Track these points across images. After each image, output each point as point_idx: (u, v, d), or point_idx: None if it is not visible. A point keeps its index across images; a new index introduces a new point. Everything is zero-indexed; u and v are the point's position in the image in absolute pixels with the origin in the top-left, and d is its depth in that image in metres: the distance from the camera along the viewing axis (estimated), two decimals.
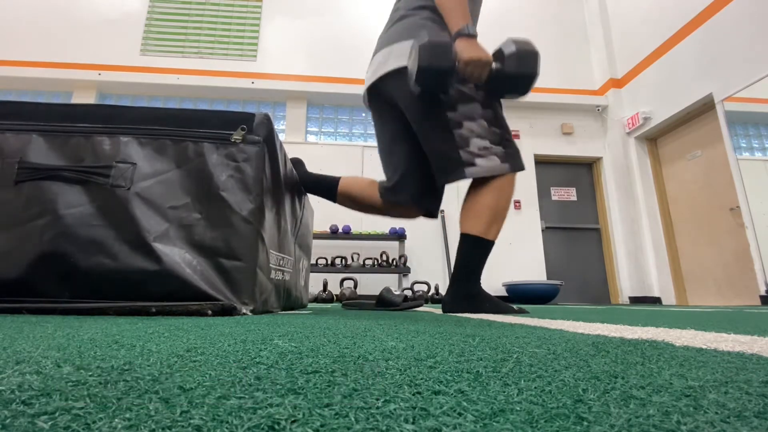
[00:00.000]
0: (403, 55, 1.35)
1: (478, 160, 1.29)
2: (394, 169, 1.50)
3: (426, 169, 1.44)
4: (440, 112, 1.31)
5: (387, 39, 1.43)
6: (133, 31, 5.16)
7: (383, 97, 1.47)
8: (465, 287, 1.32)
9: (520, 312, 1.29)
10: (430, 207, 1.54)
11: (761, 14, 3.52)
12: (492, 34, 5.41)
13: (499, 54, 1.25)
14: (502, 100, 1.36)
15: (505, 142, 1.32)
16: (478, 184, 1.33)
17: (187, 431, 0.15)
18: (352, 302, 1.71)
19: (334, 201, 1.62)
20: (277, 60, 5.19)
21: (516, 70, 1.22)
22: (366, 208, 1.60)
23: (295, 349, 0.37)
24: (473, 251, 1.33)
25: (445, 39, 1.20)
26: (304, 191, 1.62)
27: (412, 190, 1.48)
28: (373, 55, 1.47)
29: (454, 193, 4.88)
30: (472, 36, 1.24)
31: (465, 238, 1.34)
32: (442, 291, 4.31)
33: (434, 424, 0.16)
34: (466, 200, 1.36)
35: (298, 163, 1.61)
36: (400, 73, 1.34)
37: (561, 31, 5.59)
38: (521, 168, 1.33)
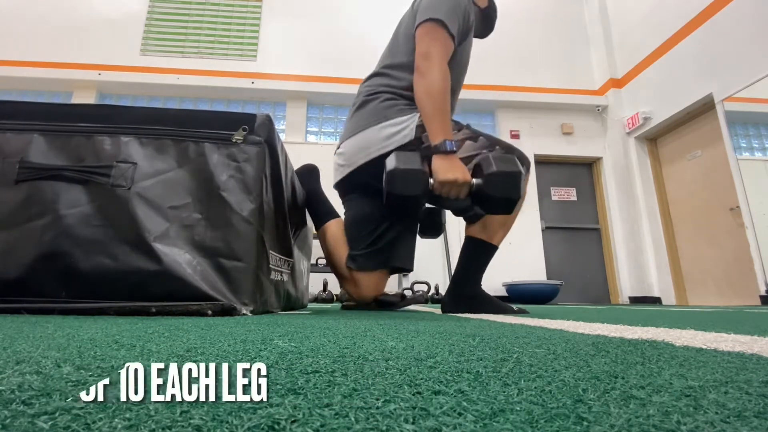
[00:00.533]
0: (366, 148, 1.33)
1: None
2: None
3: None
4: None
5: (351, 128, 1.41)
6: (133, 31, 5.15)
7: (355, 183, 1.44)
8: (465, 289, 1.32)
9: (521, 312, 1.28)
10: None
11: (761, 14, 3.52)
12: (493, 34, 5.42)
13: (478, 171, 1.18)
14: None
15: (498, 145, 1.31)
16: None
17: (187, 431, 0.15)
18: (352, 302, 1.71)
19: (316, 229, 1.59)
20: (277, 60, 5.19)
21: (498, 193, 1.14)
22: (327, 258, 1.55)
23: (295, 349, 0.37)
24: (477, 255, 1.34)
25: (415, 165, 1.15)
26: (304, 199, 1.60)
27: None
28: (340, 143, 1.45)
29: None
30: (451, 153, 1.16)
31: (470, 241, 1.34)
32: (442, 291, 4.31)
33: (434, 424, 0.16)
34: None
35: (311, 171, 1.56)
36: (370, 164, 1.32)
37: (561, 31, 5.59)
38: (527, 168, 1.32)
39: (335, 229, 1.54)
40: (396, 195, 1.14)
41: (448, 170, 1.15)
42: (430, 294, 4.26)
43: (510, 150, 1.28)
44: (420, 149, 1.24)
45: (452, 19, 1.25)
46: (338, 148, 1.47)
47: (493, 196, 1.15)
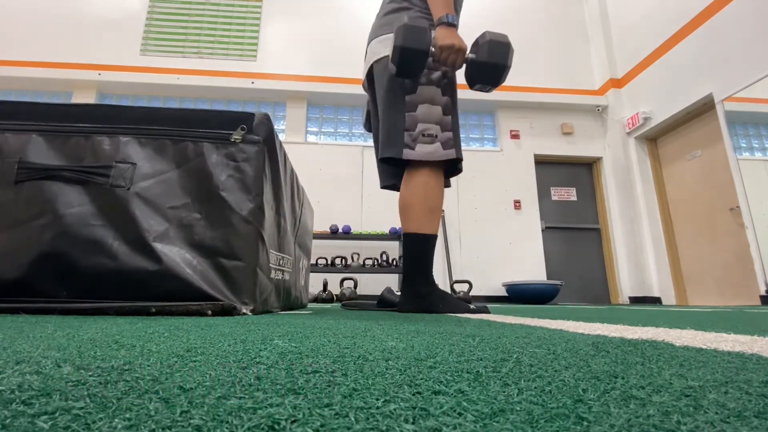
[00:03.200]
0: (384, 47, 1.45)
1: (418, 146, 1.35)
2: None
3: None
4: (401, 94, 1.39)
5: (378, 28, 1.53)
6: (133, 31, 5.16)
7: (372, 82, 1.57)
8: (416, 286, 1.33)
9: (479, 311, 1.28)
10: (388, 182, 1.60)
11: (761, 14, 3.52)
12: None
13: (474, 45, 1.35)
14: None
15: (453, 132, 1.38)
16: (407, 179, 1.39)
17: (187, 431, 0.15)
18: (352, 302, 1.71)
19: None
20: (277, 60, 5.19)
21: (488, 59, 1.30)
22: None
23: (295, 349, 0.37)
24: (414, 248, 1.36)
25: (422, 23, 1.30)
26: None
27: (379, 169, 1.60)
28: (368, 43, 1.56)
29: (454, 194, 4.88)
30: (452, 25, 1.32)
31: (405, 237, 1.39)
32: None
33: (434, 424, 0.16)
34: (400, 199, 1.42)
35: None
36: (381, 61, 1.47)
37: (561, 31, 5.59)
38: (460, 157, 1.38)
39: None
40: (405, 48, 1.26)
41: (447, 37, 1.30)
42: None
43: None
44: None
45: None
46: (367, 48, 1.60)
47: (484, 63, 1.31)
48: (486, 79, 1.36)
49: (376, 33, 1.52)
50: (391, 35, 1.39)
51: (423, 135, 1.35)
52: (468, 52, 1.33)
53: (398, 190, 1.54)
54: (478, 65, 1.33)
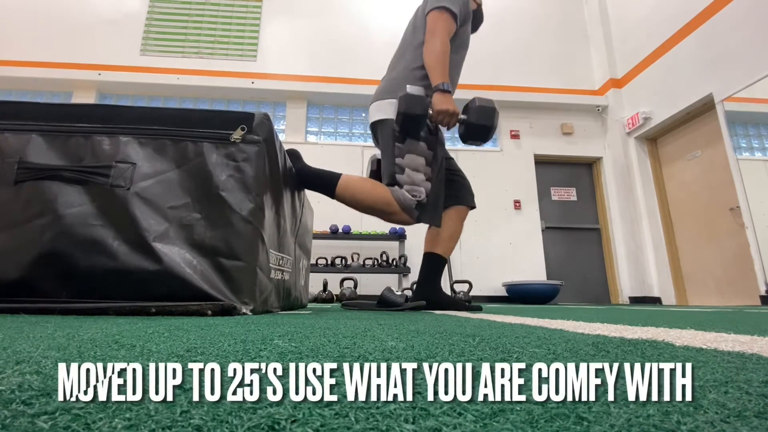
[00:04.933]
0: (382, 111, 1.69)
1: (406, 193, 1.59)
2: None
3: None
4: (393, 156, 1.63)
5: (380, 91, 1.75)
6: (133, 31, 5.15)
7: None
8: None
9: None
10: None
11: (761, 14, 3.52)
12: (493, 34, 5.43)
13: (465, 108, 1.58)
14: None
15: (429, 198, 1.61)
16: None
17: (187, 431, 0.15)
18: (352, 302, 1.71)
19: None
20: (277, 60, 5.19)
21: (477, 122, 1.53)
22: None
23: (295, 349, 0.37)
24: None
25: (420, 93, 1.56)
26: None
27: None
28: (373, 98, 1.77)
29: None
30: (447, 91, 1.55)
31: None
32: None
33: (434, 424, 0.16)
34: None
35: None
36: (382, 122, 1.70)
37: (561, 31, 5.59)
38: (417, 221, 1.61)
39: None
40: (405, 114, 1.51)
41: (443, 103, 1.53)
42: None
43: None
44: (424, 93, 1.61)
45: (454, 4, 1.64)
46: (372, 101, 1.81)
47: (474, 125, 1.53)
48: (476, 137, 1.57)
49: (379, 95, 1.73)
50: (390, 101, 1.65)
51: (408, 182, 1.59)
52: (460, 113, 1.56)
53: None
54: (469, 126, 1.54)
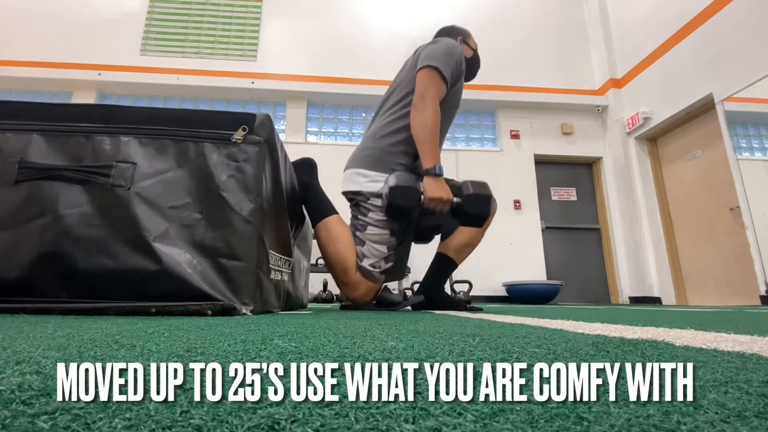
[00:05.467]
0: (355, 183, 1.61)
1: (362, 264, 1.54)
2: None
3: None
4: (356, 217, 1.60)
5: (360, 158, 1.65)
6: (133, 31, 5.15)
7: None
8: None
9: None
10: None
11: (761, 14, 3.52)
12: (493, 34, 5.43)
13: (458, 192, 1.48)
14: None
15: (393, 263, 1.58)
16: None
17: (187, 431, 0.15)
18: (350, 303, 1.71)
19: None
20: (277, 60, 5.19)
21: (472, 211, 1.47)
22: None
23: (295, 349, 0.37)
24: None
25: (412, 184, 1.44)
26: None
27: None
28: (349, 163, 1.69)
29: None
30: (439, 176, 1.44)
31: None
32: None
33: (434, 424, 0.16)
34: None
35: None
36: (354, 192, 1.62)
37: (561, 31, 5.59)
38: (385, 282, 1.62)
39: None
40: (396, 206, 1.41)
41: (436, 189, 1.42)
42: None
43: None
44: (415, 172, 1.53)
45: (446, 67, 1.51)
46: (347, 166, 1.73)
47: (468, 212, 1.46)
48: (469, 222, 1.53)
49: (357, 161, 1.64)
50: (363, 173, 1.57)
51: (370, 264, 1.54)
52: (453, 199, 1.47)
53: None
54: (463, 213, 1.48)
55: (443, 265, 1.68)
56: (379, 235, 1.54)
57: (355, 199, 1.62)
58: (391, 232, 1.55)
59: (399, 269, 1.66)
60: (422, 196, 1.44)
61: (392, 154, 1.58)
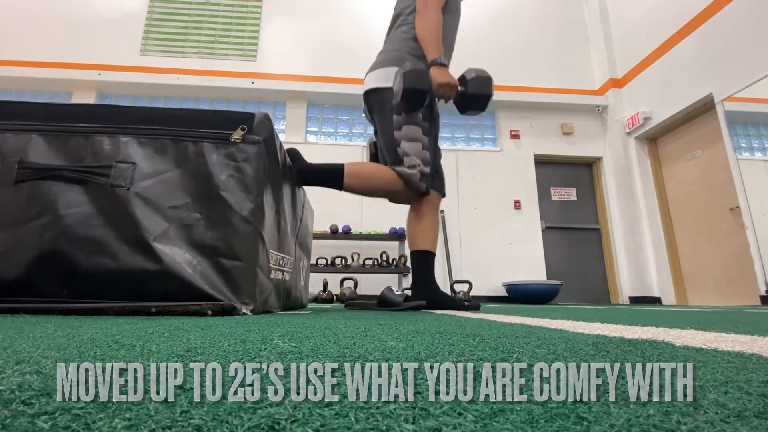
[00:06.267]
0: (379, 79, 1.70)
1: (406, 169, 1.61)
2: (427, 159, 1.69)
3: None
4: (391, 129, 1.65)
5: (378, 62, 1.76)
6: (133, 31, 5.15)
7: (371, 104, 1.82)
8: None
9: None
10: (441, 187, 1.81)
11: (761, 14, 3.52)
12: (493, 34, 5.43)
13: (462, 80, 1.61)
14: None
15: (430, 167, 1.63)
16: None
17: (187, 431, 0.15)
18: (356, 302, 1.71)
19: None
20: (277, 60, 5.19)
21: (475, 91, 1.57)
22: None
23: (295, 349, 0.37)
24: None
25: (423, 68, 1.56)
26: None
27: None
28: (369, 70, 1.78)
29: (455, 194, 4.88)
30: (444, 65, 1.57)
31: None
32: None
33: (434, 424, 0.16)
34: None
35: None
36: (377, 92, 1.71)
37: (561, 31, 5.59)
38: (428, 191, 1.64)
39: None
40: (410, 88, 1.51)
41: (442, 76, 1.56)
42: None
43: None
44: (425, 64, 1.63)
45: None
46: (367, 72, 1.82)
47: (472, 94, 1.58)
48: (474, 107, 1.62)
49: (377, 66, 1.75)
50: (386, 69, 1.67)
51: (408, 165, 1.60)
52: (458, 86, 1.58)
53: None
54: (467, 96, 1.59)
55: (423, 261, 1.69)
56: (413, 131, 1.62)
57: (375, 104, 1.72)
58: (422, 131, 1.62)
59: (437, 179, 1.70)
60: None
61: (403, 54, 1.69)
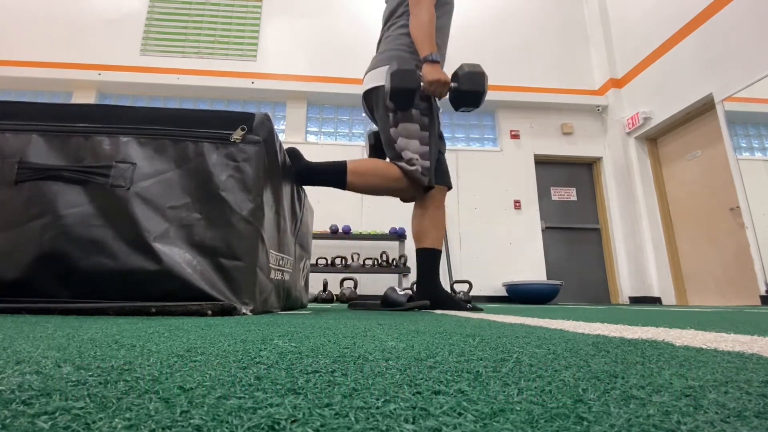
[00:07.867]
0: (376, 79, 1.72)
1: (406, 165, 1.61)
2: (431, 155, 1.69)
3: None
4: (388, 126, 1.67)
5: (375, 62, 1.78)
6: (133, 31, 5.15)
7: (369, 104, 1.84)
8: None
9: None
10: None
11: (761, 14, 3.52)
12: (493, 34, 5.43)
13: (455, 76, 1.59)
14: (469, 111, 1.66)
15: (430, 161, 1.63)
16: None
17: (187, 431, 0.15)
18: (359, 302, 1.71)
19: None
20: (277, 60, 5.19)
21: (468, 87, 1.56)
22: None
23: (295, 349, 0.37)
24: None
25: (411, 66, 1.55)
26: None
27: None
28: (367, 70, 1.81)
29: (455, 195, 4.88)
30: (436, 62, 1.57)
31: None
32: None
33: (434, 424, 0.16)
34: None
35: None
36: (376, 90, 1.73)
37: (561, 31, 5.59)
38: (431, 185, 1.63)
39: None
40: (396, 88, 1.52)
41: (434, 73, 1.56)
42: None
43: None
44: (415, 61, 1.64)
45: None
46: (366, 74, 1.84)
47: (465, 91, 1.56)
48: (468, 103, 1.60)
49: (374, 66, 1.76)
50: (384, 68, 1.67)
51: (407, 160, 1.61)
52: (451, 82, 1.57)
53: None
54: (460, 93, 1.57)
55: (428, 259, 1.69)
56: (410, 128, 1.62)
57: (375, 104, 1.73)
58: (420, 126, 1.62)
59: (439, 173, 1.69)
60: (421, 84, 1.55)
61: (399, 52, 1.70)
